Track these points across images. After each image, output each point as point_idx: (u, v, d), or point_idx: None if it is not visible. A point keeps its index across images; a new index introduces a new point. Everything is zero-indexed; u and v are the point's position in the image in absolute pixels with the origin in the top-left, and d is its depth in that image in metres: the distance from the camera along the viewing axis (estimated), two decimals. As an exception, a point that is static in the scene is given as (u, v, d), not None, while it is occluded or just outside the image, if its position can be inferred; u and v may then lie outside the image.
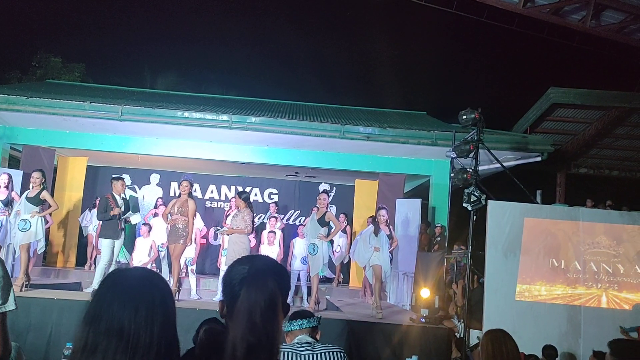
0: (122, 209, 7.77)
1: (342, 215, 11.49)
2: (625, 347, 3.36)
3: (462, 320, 7.54)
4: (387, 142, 10.38)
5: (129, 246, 9.83)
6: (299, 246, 10.38)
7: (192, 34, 34.79)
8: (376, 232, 7.98)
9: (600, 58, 15.51)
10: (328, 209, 8.34)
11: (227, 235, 7.81)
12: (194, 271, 9.88)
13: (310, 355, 3.03)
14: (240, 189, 11.15)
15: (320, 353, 3.07)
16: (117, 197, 7.81)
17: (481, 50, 29.24)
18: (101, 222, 8.12)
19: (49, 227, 10.29)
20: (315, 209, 8.64)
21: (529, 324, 6.73)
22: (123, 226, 7.80)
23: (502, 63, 27.96)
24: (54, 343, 6.51)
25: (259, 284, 1.40)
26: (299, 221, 12.70)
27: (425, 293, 7.77)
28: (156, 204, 11.23)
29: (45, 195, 7.82)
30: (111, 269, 7.73)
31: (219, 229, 8.54)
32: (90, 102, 9.94)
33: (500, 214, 7.17)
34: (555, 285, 6.98)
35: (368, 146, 10.58)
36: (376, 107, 14.98)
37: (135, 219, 8.20)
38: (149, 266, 9.44)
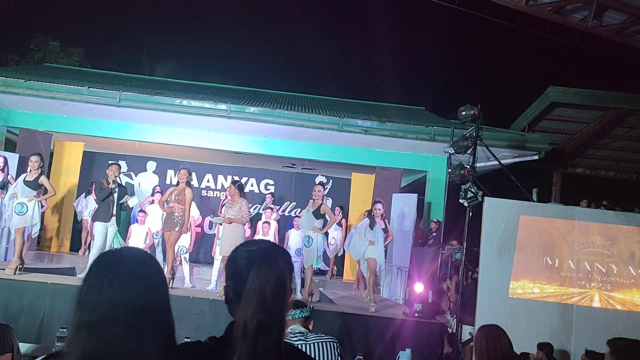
0: (115, 189, 7.79)
1: (337, 208, 11.49)
2: (625, 346, 3.36)
3: (454, 315, 7.57)
4: (385, 137, 10.37)
5: (124, 233, 9.82)
6: (294, 238, 10.39)
7: (192, 21, 34.64)
8: (372, 225, 7.98)
9: (601, 58, 15.51)
10: (323, 201, 8.34)
11: (227, 224, 7.79)
12: (188, 259, 9.88)
13: (303, 345, 3.03)
14: (236, 178, 11.13)
15: (313, 343, 3.07)
16: (111, 183, 7.83)
17: (482, 47, 29.19)
18: (96, 206, 8.14)
19: (44, 212, 10.26)
20: (311, 201, 8.64)
21: (522, 322, 6.76)
22: (114, 212, 7.77)
23: (503, 60, 27.92)
24: (46, 327, 6.51)
25: (270, 263, 1.44)
26: (295, 213, 12.70)
27: (419, 287, 7.79)
28: (153, 192, 11.21)
29: (43, 180, 7.79)
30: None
31: (214, 216, 8.54)
32: (89, 87, 9.89)
33: (496, 211, 7.18)
34: (549, 284, 7.00)
35: (366, 140, 10.57)
36: (375, 101, 14.95)
37: (132, 201, 8.22)
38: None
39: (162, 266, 9.06)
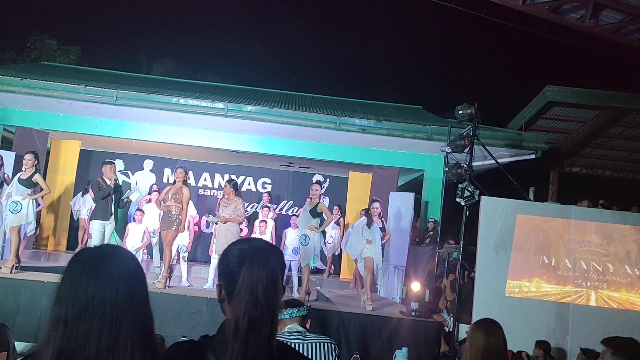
0: (112, 189, 7.81)
1: (335, 207, 11.49)
2: (623, 343, 3.39)
3: (451, 314, 7.58)
4: (382, 135, 10.37)
5: (122, 231, 9.81)
6: (291, 236, 10.39)
7: (189, 20, 34.60)
8: (369, 224, 7.98)
9: (598, 58, 15.54)
10: (321, 200, 8.34)
11: (223, 223, 7.80)
12: (186, 258, 9.88)
13: (301, 345, 3.03)
14: (234, 177, 11.12)
15: (311, 343, 3.07)
16: (107, 182, 7.82)
17: (479, 46, 29.24)
18: (94, 204, 8.14)
19: (40, 210, 10.23)
20: (308, 199, 8.63)
21: (518, 320, 6.78)
22: (113, 210, 7.77)
23: (500, 59, 27.98)
24: (43, 326, 6.46)
25: (261, 260, 1.45)
26: (292, 211, 12.69)
27: (415, 286, 7.80)
28: (150, 190, 11.20)
29: (37, 178, 7.76)
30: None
31: (209, 215, 8.54)
32: (85, 86, 9.86)
33: (493, 210, 7.19)
34: (545, 283, 7.02)
35: (363, 139, 10.57)
36: (372, 99, 14.94)
37: (134, 196, 8.26)
38: (141, 252, 9.42)
39: (159, 264, 9.03)
